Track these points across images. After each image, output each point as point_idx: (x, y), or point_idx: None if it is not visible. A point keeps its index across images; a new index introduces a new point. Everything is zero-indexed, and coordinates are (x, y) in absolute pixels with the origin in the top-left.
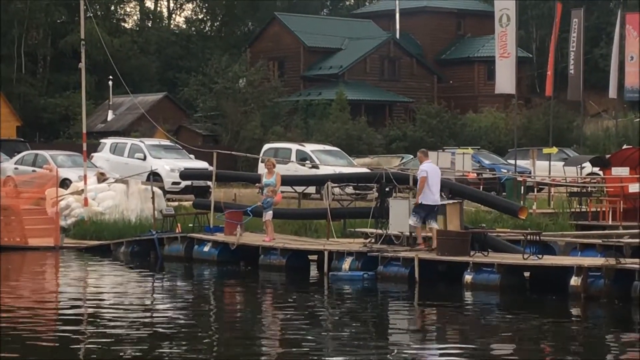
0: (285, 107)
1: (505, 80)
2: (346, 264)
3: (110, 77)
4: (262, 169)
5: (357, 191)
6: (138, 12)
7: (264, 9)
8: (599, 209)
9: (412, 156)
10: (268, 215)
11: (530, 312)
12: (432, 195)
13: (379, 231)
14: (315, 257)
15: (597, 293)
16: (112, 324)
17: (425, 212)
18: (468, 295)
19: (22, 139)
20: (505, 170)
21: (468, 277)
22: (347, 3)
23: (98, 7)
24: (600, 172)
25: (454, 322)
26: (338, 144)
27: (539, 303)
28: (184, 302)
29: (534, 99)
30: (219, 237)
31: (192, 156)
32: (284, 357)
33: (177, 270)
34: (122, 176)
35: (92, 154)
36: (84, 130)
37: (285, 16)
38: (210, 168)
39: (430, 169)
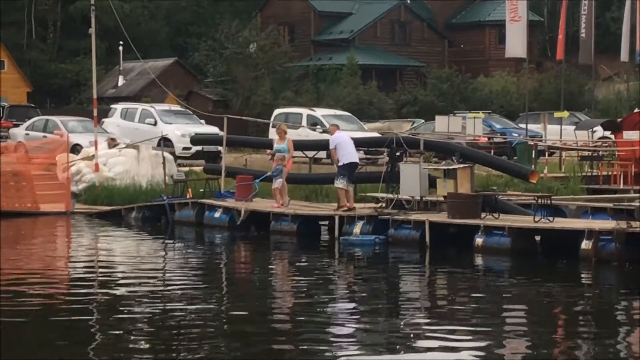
0: (295, 72)
1: (516, 44)
2: (357, 228)
3: (121, 42)
4: (273, 134)
5: (368, 156)
6: None
7: None
8: (610, 173)
9: (423, 120)
10: (277, 183)
11: (541, 276)
12: (350, 155)
13: (390, 196)
14: (326, 222)
15: (608, 256)
16: (123, 288)
17: (348, 172)
18: (479, 259)
19: (33, 105)
20: (517, 135)
21: (479, 241)
22: None
23: None
24: (612, 136)
25: (465, 287)
26: (349, 109)
27: (550, 267)
28: (195, 265)
29: (545, 62)
30: (230, 202)
31: (202, 121)
32: (293, 322)
33: (188, 235)
34: (132, 141)
35: (103, 120)
36: (95, 96)
37: None
38: (221, 133)
39: (340, 139)
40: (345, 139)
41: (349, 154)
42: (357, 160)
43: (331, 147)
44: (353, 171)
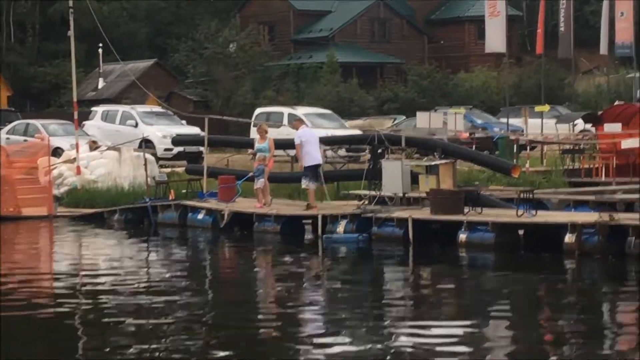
0: (276, 71)
1: (495, 39)
2: (340, 226)
3: (100, 44)
4: (254, 133)
5: (350, 153)
6: None
7: None
8: (591, 166)
9: (404, 117)
10: (259, 182)
11: (525, 270)
12: (312, 156)
13: (373, 193)
14: (309, 221)
15: (592, 249)
16: (107, 289)
17: (312, 173)
18: (463, 255)
19: (13, 109)
20: (498, 129)
21: (462, 236)
22: None
23: None
24: (593, 129)
25: (449, 283)
26: (330, 107)
27: (534, 261)
28: (179, 266)
29: (524, 57)
30: (213, 204)
31: (183, 122)
32: (278, 322)
33: (171, 236)
34: (114, 144)
35: (84, 122)
36: (75, 99)
37: None
38: (202, 134)
39: (305, 134)
40: (309, 136)
41: (310, 156)
42: (320, 161)
43: (297, 142)
44: (316, 171)
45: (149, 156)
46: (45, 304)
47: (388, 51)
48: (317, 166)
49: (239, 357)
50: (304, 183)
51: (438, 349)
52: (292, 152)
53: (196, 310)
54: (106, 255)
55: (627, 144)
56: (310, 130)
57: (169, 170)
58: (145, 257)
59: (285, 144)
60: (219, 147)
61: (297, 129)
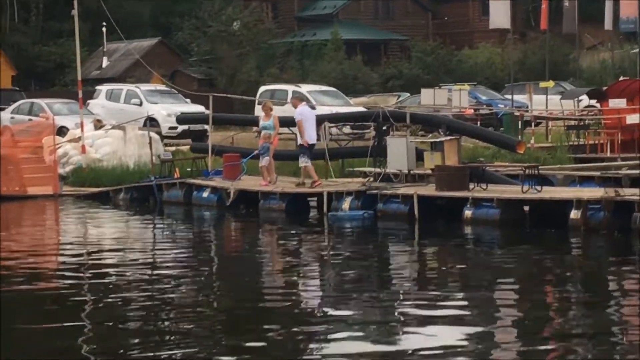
0: (280, 49)
1: (499, 15)
2: (346, 203)
3: (104, 23)
4: (259, 111)
5: (355, 130)
6: None
7: None
8: (596, 142)
9: (408, 94)
10: (265, 161)
11: (531, 246)
12: (309, 135)
13: (378, 170)
14: (314, 199)
15: (597, 225)
16: (113, 269)
17: (309, 151)
18: (468, 231)
19: (18, 88)
20: (503, 106)
21: (468, 213)
22: None
23: None
24: (598, 105)
25: (455, 259)
26: (334, 84)
27: (539, 237)
28: (185, 244)
29: (529, 33)
30: (218, 182)
31: (188, 100)
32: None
33: (176, 214)
34: (118, 122)
35: (88, 101)
36: (79, 78)
37: None
38: (207, 112)
39: (306, 112)
40: (309, 114)
41: (309, 135)
42: (314, 141)
43: (297, 118)
44: (312, 150)
45: (153, 135)
46: (50, 280)
47: (392, 28)
48: (313, 145)
49: (242, 336)
50: (303, 161)
51: (442, 327)
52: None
53: (201, 289)
54: (112, 233)
55: (632, 119)
56: (308, 109)
57: (173, 148)
58: (151, 235)
59: (290, 122)
60: (223, 125)
61: (295, 106)
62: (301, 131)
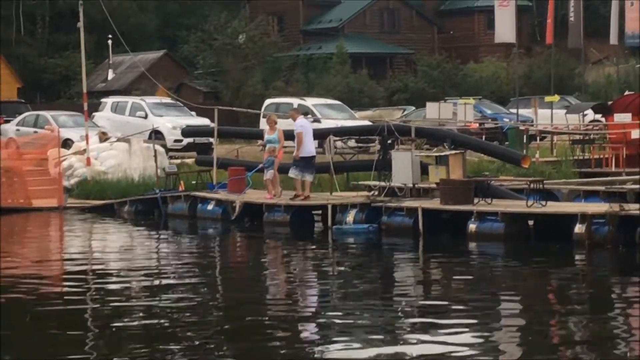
0: (285, 62)
1: (505, 30)
2: (350, 216)
3: (110, 36)
4: (264, 124)
5: (360, 144)
6: None
7: None
8: (601, 156)
9: (414, 108)
10: (269, 174)
11: (535, 261)
12: (308, 147)
13: (382, 184)
14: (319, 211)
15: (602, 240)
16: (117, 280)
17: (303, 164)
18: (472, 245)
19: (23, 100)
20: (508, 120)
21: (472, 226)
22: None
23: None
24: (603, 119)
25: (459, 273)
26: (339, 98)
27: (544, 251)
28: (190, 256)
29: (534, 47)
30: (223, 195)
31: (193, 113)
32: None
33: (181, 227)
34: (124, 135)
35: (94, 114)
36: (85, 90)
37: None
38: (212, 125)
39: (306, 124)
40: (308, 127)
41: (306, 148)
42: (314, 153)
43: (298, 130)
44: (309, 163)
45: (158, 147)
46: (52, 293)
47: (397, 42)
48: (312, 158)
49: (244, 350)
50: (293, 173)
51: (446, 346)
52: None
53: (204, 301)
54: (116, 246)
55: (637, 134)
56: (307, 121)
57: (178, 161)
58: (155, 248)
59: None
60: (228, 138)
61: (294, 119)
62: (299, 144)
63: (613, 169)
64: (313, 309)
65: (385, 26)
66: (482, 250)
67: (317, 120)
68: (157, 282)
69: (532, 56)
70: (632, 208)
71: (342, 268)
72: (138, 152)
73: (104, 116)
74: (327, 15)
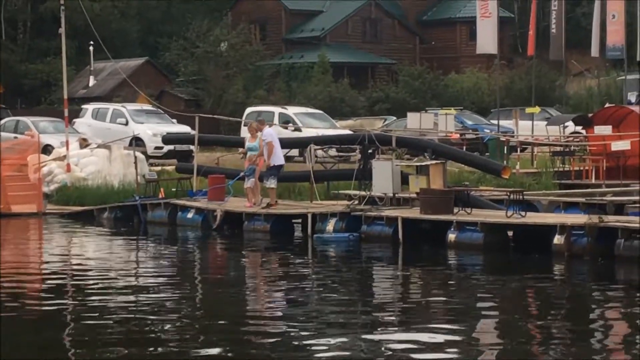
0: (267, 71)
1: (487, 41)
2: (330, 225)
3: (91, 42)
4: (245, 132)
5: (340, 153)
6: None
7: None
8: (582, 168)
9: (394, 118)
10: (250, 182)
11: (514, 271)
12: (278, 156)
13: (363, 193)
14: (299, 220)
15: (581, 251)
16: (96, 287)
17: (277, 172)
18: (452, 255)
19: (3, 106)
20: (488, 131)
21: (452, 236)
22: None
23: None
24: (583, 131)
25: (438, 283)
26: (321, 107)
27: (523, 262)
28: (169, 264)
29: (516, 59)
30: (203, 203)
31: (174, 120)
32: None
33: (160, 234)
34: (104, 141)
35: (74, 120)
36: (66, 96)
37: None
38: (193, 132)
39: (274, 133)
40: (276, 136)
41: (278, 156)
42: (284, 162)
43: (268, 139)
44: (280, 171)
45: (139, 154)
46: (33, 301)
47: (379, 51)
48: (282, 166)
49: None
50: (271, 182)
51: (423, 354)
52: (282, 152)
53: (184, 308)
54: (95, 253)
55: (617, 146)
56: (273, 131)
57: (159, 168)
58: (134, 255)
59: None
60: (209, 145)
61: (261, 129)
62: (270, 153)
63: (593, 181)
64: (289, 320)
65: (367, 36)
66: (461, 260)
67: (297, 129)
68: (133, 291)
69: (514, 67)
70: (611, 220)
71: (321, 277)
72: (118, 159)
73: (85, 122)
74: (310, 24)
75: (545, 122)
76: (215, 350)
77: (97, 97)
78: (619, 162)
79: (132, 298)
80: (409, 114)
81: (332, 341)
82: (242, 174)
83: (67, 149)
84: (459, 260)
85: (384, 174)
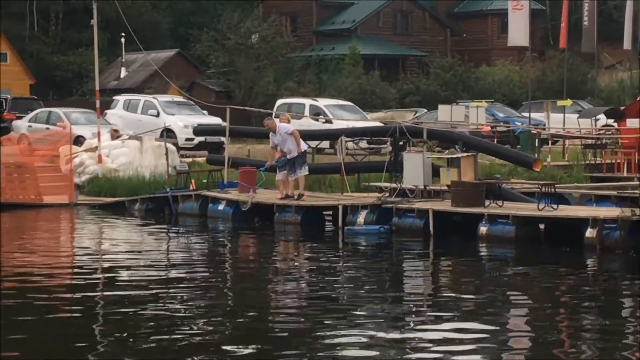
0: (298, 63)
1: (518, 33)
2: (361, 217)
3: (123, 33)
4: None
5: (371, 145)
6: None
7: None
8: (613, 161)
9: (425, 110)
10: (281, 175)
11: (546, 264)
12: (298, 147)
13: (393, 185)
14: (330, 212)
15: (613, 244)
16: (128, 279)
17: (302, 160)
18: (483, 248)
19: (36, 97)
20: (520, 123)
21: (483, 229)
22: None
23: None
24: (615, 124)
25: (469, 276)
26: (351, 99)
27: (554, 255)
28: (199, 256)
29: (547, 51)
30: (233, 194)
31: (205, 112)
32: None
33: (191, 226)
34: (135, 133)
35: (106, 111)
36: (97, 88)
37: None
38: (224, 124)
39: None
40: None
41: (302, 142)
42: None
43: (291, 129)
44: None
45: (170, 146)
46: (62, 294)
47: (410, 44)
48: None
49: (252, 348)
50: (305, 170)
51: (456, 345)
52: (313, 144)
53: (214, 300)
54: (126, 244)
55: None
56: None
57: (190, 160)
58: (165, 247)
59: (306, 135)
60: (240, 137)
61: (273, 128)
62: (298, 141)
63: (625, 174)
64: (319, 310)
65: (398, 28)
66: (493, 252)
67: (328, 121)
68: (164, 283)
69: (545, 60)
70: None
71: (352, 269)
72: (149, 150)
73: (116, 114)
74: (340, 16)
75: (577, 115)
76: (244, 344)
77: (128, 89)
78: None
79: (162, 289)
80: (440, 107)
81: (361, 334)
82: (269, 163)
83: (99, 140)
84: (490, 253)
85: (415, 166)
